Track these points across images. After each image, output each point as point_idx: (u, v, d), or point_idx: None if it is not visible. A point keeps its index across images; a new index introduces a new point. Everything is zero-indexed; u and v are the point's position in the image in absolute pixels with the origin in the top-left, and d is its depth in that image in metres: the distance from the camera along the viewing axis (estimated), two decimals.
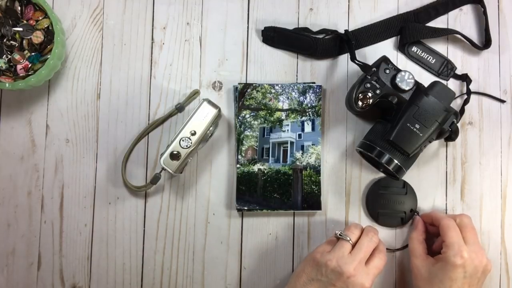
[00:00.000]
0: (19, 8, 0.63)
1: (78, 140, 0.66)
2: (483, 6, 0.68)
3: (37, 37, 0.62)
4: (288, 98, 0.66)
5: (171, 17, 0.68)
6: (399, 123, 0.58)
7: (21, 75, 0.62)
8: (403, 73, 0.59)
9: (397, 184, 0.66)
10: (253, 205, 0.65)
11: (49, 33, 0.62)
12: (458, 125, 0.64)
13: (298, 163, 0.65)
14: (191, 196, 0.66)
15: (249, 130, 0.66)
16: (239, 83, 0.66)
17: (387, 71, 0.60)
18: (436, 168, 0.67)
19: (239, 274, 0.66)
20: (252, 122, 0.66)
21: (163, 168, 0.60)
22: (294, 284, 0.58)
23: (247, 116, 0.66)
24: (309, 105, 0.66)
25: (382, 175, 0.66)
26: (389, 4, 0.69)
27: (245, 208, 0.65)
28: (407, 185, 0.66)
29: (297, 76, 0.68)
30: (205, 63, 0.68)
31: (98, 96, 0.67)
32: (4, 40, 0.62)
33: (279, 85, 0.66)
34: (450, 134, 0.60)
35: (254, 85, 0.66)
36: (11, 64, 0.62)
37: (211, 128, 0.61)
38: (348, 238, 0.58)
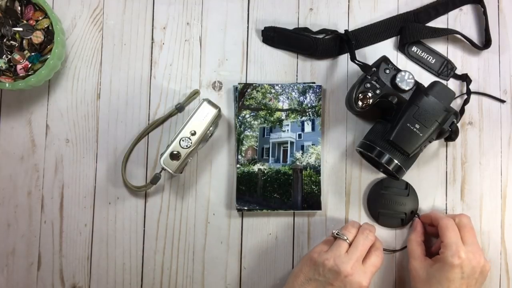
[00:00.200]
0: (19, 8, 0.63)
1: (78, 140, 0.66)
2: (483, 6, 0.68)
3: (37, 37, 0.62)
4: (288, 98, 0.66)
5: (171, 17, 0.68)
6: (399, 123, 0.58)
7: (21, 75, 0.62)
8: (403, 73, 0.59)
9: (399, 185, 0.66)
10: (253, 205, 0.65)
11: (49, 33, 0.62)
12: (458, 125, 0.64)
13: (298, 163, 0.65)
14: (191, 196, 0.66)
15: (249, 130, 0.66)
16: (239, 83, 0.66)
17: (387, 71, 0.60)
18: (436, 168, 0.67)
19: (239, 274, 0.66)
20: (252, 122, 0.66)
21: (163, 168, 0.60)
22: (292, 284, 0.58)
23: (247, 116, 0.66)
24: (309, 105, 0.66)
25: (383, 175, 0.66)
26: (389, 4, 0.69)
27: (245, 208, 0.65)
28: (409, 186, 0.66)
29: (297, 76, 0.68)
30: (205, 63, 0.68)
31: (98, 96, 0.67)
32: (4, 40, 0.62)
33: (279, 85, 0.66)
34: (450, 134, 0.60)
35: (254, 85, 0.66)
36: (11, 64, 0.62)
37: (211, 128, 0.61)
38: (345, 237, 0.58)
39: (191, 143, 0.60)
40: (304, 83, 0.67)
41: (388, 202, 0.66)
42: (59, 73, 0.67)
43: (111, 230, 0.66)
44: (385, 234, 0.66)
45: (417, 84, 0.60)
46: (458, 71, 0.68)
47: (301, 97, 0.66)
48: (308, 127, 0.66)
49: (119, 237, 0.66)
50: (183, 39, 0.68)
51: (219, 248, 0.66)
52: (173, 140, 0.60)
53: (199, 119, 0.60)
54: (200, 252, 0.66)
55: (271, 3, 0.69)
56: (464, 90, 0.68)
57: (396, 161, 0.58)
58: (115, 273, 0.65)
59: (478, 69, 0.69)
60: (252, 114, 0.66)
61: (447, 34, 0.68)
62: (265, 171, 0.65)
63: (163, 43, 0.68)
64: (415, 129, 0.57)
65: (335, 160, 0.67)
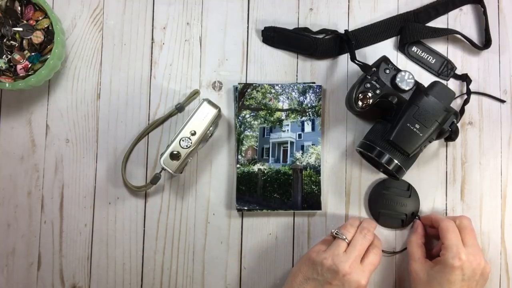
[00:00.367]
0: (19, 8, 0.63)
1: (78, 140, 0.66)
2: (483, 6, 0.68)
3: (37, 37, 0.62)
4: (288, 98, 0.66)
5: (171, 17, 0.68)
6: (399, 123, 0.58)
7: (21, 75, 0.62)
8: (403, 73, 0.59)
9: (401, 186, 0.66)
10: (253, 205, 0.65)
11: (49, 33, 0.62)
12: (458, 125, 0.64)
13: (298, 163, 0.65)
14: (191, 196, 0.66)
15: (249, 130, 0.66)
16: (239, 83, 0.66)
17: (387, 71, 0.60)
18: (436, 168, 0.67)
19: (239, 274, 0.66)
20: (252, 122, 0.66)
21: (163, 168, 0.60)
22: (291, 284, 0.58)
23: (247, 116, 0.66)
24: (309, 105, 0.66)
25: (384, 175, 0.66)
26: (389, 4, 0.69)
27: (245, 208, 0.65)
28: (411, 188, 0.66)
29: (297, 76, 0.68)
30: (205, 63, 0.68)
31: (98, 96, 0.67)
32: (4, 40, 0.62)
33: (279, 85, 0.66)
34: (450, 134, 0.60)
35: (254, 85, 0.66)
36: (11, 64, 0.62)
37: (211, 128, 0.61)
38: (344, 237, 0.58)
39: (191, 143, 0.60)
40: (304, 83, 0.67)
41: (389, 202, 0.66)
42: (59, 73, 0.67)
43: (111, 230, 0.66)
44: (384, 235, 0.66)
45: (417, 84, 0.60)
46: (458, 71, 0.68)
47: (301, 97, 0.66)
48: (308, 127, 0.66)
49: (119, 237, 0.66)
50: (183, 39, 0.68)
51: (219, 248, 0.66)
52: (173, 140, 0.60)
53: (199, 119, 0.60)
54: (200, 252, 0.66)
55: (271, 3, 0.69)
56: (464, 90, 0.68)
57: (396, 161, 0.58)
58: (115, 273, 0.65)
59: (478, 69, 0.69)
60: (252, 114, 0.66)
61: (447, 34, 0.68)
62: (265, 171, 0.65)
63: (163, 43, 0.68)
64: (415, 129, 0.57)
65: (335, 160, 0.67)
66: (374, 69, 0.60)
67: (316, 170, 0.65)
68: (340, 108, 0.68)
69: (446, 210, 0.67)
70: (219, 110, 0.62)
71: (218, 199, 0.66)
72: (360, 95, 0.60)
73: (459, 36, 0.68)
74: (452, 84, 0.68)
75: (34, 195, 0.66)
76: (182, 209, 0.66)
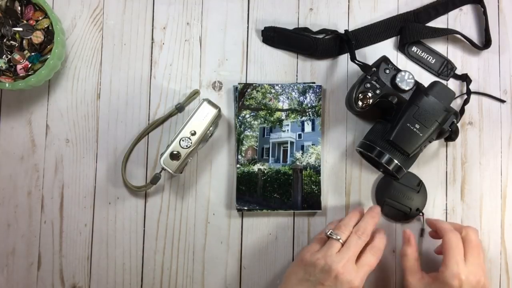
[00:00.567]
0: (19, 8, 0.63)
1: (78, 140, 0.66)
2: (483, 6, 0.68)
3: (37, 37, 0.62)
4: (288, 98, 0.66)
5: (171, 17, 0.68)
6: (399, 123, 0.58)
7: (21, 75, 0.62)
8: (403, 73, 0.59)
9: (413, 180, 0.66)
10: (253, 205, 0.65)
11: (49, 33, 0.62)
12: (458, 125, 0.64)
13: (298, 163, 0.65)
14: (191, 196, 0.66)
15: (249, 130, 0.66)
16: (239, 83, 0.66)
17: (387, 71, 0.60)
18: (436, 168, 0.67)
19: (239, 274, 0.66)
20: (252, 122, 0.66)
21: (163, 168, 0.60)
22: (285, 285, 0.57)
23: (247, 116, 0.66)
24: (309, 105, 0.66)
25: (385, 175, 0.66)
26: (389, 4, 0.69)
27: (245, 208, 0.65)
28: (422, 184, 0.66)
29: (297, 76, 0.68)
30: (205, 63, 0.68)
31: (98, 96, 0.67)
32: (4, 40, 0.62)
33: (279, 85, 0.66)
34: (450, 134, 0.60)
35: (254, 85, 0.66)
36: (11, 64, 0.62)
37: (211, 128, 0.61)
38: (338, 237, 0.57)
39: (191, 143, 0.60)
40: (304, 83, 0.67)
41: (397, 193, 0.66)
42: (59, 73, 0.67)
43: (111, 230, 0.66)
44: (386, 225, 0.66)
45: (417, 84, 0.60)
46: (458, 71, 0.68)
47: (301, 97, 0.66)
48: (308, 127, 0.66)
49: (119, 237, 0.66)
50: (183, 39, 0.68)
51: (219, 248, 0.66)
52: (173, 140, 0.60)
53: (199, 119, 0.60)
54: (200, 252, 0.66)
55: (271, 3, 0.69)
56: (464, 90, 0.68)
57: (396, 161, 0.58)
58: (115, 273, 0.65)
59: (478, 69, 0.69)
60: (252, 114, 0.66)
61: (447, 34, 0.68)
62: (265, 171, 0.65)
63: (163, 43, 0.68)
64: (415, 129, 0.57)
65: (335, 160, 0.67)
66: (374, 69, 0.60)
67: (316, 170, 0.65)
68: (340, 108, 0.68)
69: (446, 210, 0.67)
70: (219, 110, 0.62)
71: (218, 199, 0.66)
72: (360, 95, 0.60)
73: (459, 36, 0.68)
74: (452, 84, 0.68)
75: (34, 195, 0.66)
76: (182, 209, 0.66)
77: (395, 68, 0.61)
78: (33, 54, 0.62)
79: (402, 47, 0.68)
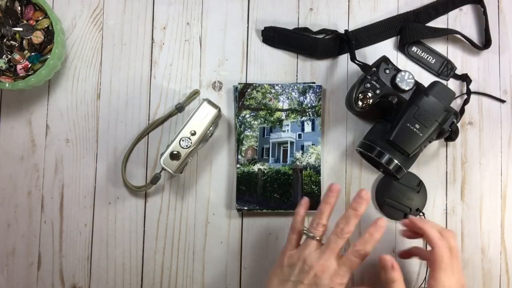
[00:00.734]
0: (19, 8, 0.63)
1: (78, 140, 0.66)
2: (483, 6, 0.68)
3: (37, 37, 0.62)
4: (288, 98, 0.66)
5: (171, 17, 0.68)
6: (399, 123, 0.58)
7: (21, 75, 0.62)
8: (403, 73, 0.59)
9: (413, 180, 0.66)
10: (253, 205, 0.65)
11: (49, 33, 0.62)
12: (458, 125, 0.64)
13: (298, 163, 0.65)
14: (191, 196, 0.66)
15: (249, 130, 0.66)
16: (239, 83, 0.66)
17: (387, 71, 0.60)
18: (436, 168, 0.67)
19: (239, 274, 0.66)
20: (252, 122, 0.66)
21: (163, 168, 0.60)
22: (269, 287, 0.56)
23: (247, 116, 0.66)
24: (309, 105, 0.66)
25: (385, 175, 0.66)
26: (389, 4, 0.69)
27: (245, 208, 0.65)
28: (422, 184, 0.66)
29: (297, 76, 0.68)
30: (205, 63, 0.68)
31: (98, 96, 0.67)
32: (4, 40, 0.62)
33: (279, 85, 0.66)
34: (450, 134, 0.60)
35: (254, 85, 0.66)
36: (11, 64, 0.62)
37: (211, 128, 0.61)
38: (312, 235, 0.55)
39: (191, 143, 0.60)
40: (304, 83, 0.67)
41: (397, 193, 0.66)
42: (59, 73, 0.67)
43: (111, 230, 0.66)
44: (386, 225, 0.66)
45: (417, 84, 0.60)
46: (458, 71, 0.68)
47: (301, 97, 0.66)
48: (308, 127, 0.66)
49: (119, 237, 0.66)
50: (183, 39, 0.68)
51: (219, 248, 0.66)
52: (173, 140, 0.60)
53: (199, 119, 0.60)
54: (200, 252, 0.66)
55: (271, 3, 0.69)
56: (464, 90, 0.68)
57: (396, 161, 0.58)
58: (115, 273, 0.65)
59: (478, 69, 0.69)
60: (252, 114, 0.66)
61: (447, 34, 0.68)
62: (265, 171, 0.65)
63: (163, 43, 0.68)
64: (415, 129, 0.57)
65: (335, 160, 0.67)
66: (374, 69, 0.60)
67: (316, 170, 0.65)
68: (340, 108, 0.68)
69: (446, 210, 0.67)
70: (219, 110, 0.62)
71: (218, 199, 0.66)
72: (360, 95, 0.60)
73: (459, 36, 0.68)
74: (452, 84, 0.68)
75: (34, 195, 0.66)
76: (182, 209, 0.66)
77: (395, 68, 0.61)
78: (33, 54, 0.62)
79: (402, 47, 0.68)
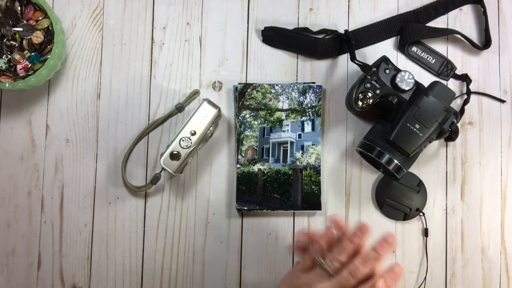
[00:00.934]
0: (19, 8, 0.63)
1: (78, 140, 0.66)
2: (483, 6, 0.68)
3: (37, 37, 0.62)
4: (288, 98, 0.66)
5: (171, 17, 0.68)
6: (399, 123, 0.58)
7: (21, 75, 0.62)
8: (403, 73, 0.59)
9: (413, 180, 0.66)
10: (253, 205, 0.65)
11: (49, 33, 0.62)
12: (458, 125, 0.64)
13: (298, 163, 0.65)
14: (191, 196, 0.66)
15: (249, 130, 0.66)
16: (239, 83, 0.66)
17: (387, 71, 0.60)
18: (436, 168, 0.67)
19: (239, 274, 0.66)
20: (252, 122, 0.66)
21: (163, 168, 0.60)
22: None
23: (247, 116, 0.66)
24: (309, 105, 0.66)
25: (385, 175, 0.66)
26: (389, 4, 0.69)
27: (245, 208, 0.65)
28: (422, 184, 0.66)
29: (297, 76, 0.68)
30: (205, 63, 0.68)
31: (98, 96, 0.67)
32: (4, 40, 0.62)
33: (279, 85, 0.66)
34: (450, 134, 0.60)
35: (254, 85, 0.66)
36: (11, 64, 0.62)
37: (211, 128, 0.61)
38: (327, 269, 0.48)
39: (191, 143, 0.60)
40: (304, 83, 0.67)
41: (397, 193, 0.66)
42: (59, 73, 0.67)
43: (111, 230, 0.66)
44: (386, 225, 0.66)
45: (417, 84, 0.60)
46: (458, 71, 0.68)
47: (301, 97, 0.66)
48: (308, 127, 0.66)
49: (119, 237, 0.66)
50: (183, 39, 0.68)
51: (219, 248, 0.66)
52: (173, 140, 0.60)
53: (199, 119, 0.60)
54: (200, 252, 0.66)
55: (271, 3, 0.69)
56: (464, 90, 0.68)
57: (396, 161, 0.58)
58: (115, 273, 0.65)
59: (478, 69, 0.69)
60: (252, 114, 0.66)
61: (447, 34, 0.68)
62: (265, 171, 0.65)
63: (163, 43, 0.68)
64: (415, 129, 0.57)
65: (335, 160, 0.67)
66: (374, 69, 0.60)
67: (316, 170, 0.65)
68: (340, 108, 0.68)
69: (446, 210, 0.67)
70: (219, 110, 0.62)
71: (218, 199, 0.66)
72: (360, 95, 0.60)
73: (459, 36, 0.68)
74: (452, 84, 0.68)
75: (34, 195, 0.66)
76: (182, 209, 0.66)
77: (395, 68, 0.61)
78: (33, 54, 0.62)
79: (402, 47, 0.68)
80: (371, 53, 0.68)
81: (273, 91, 0.66)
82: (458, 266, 0.67)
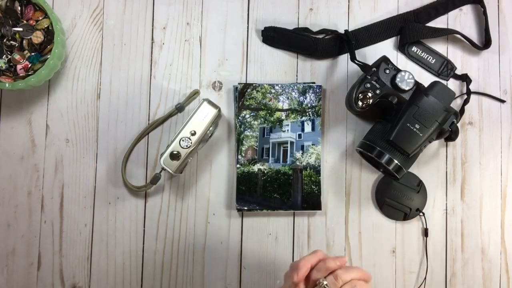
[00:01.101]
0: (19, 8, 0.63)
1: (78, 140, 0.66)
2: (483, 6, 0.68)
3: (37, 37, 0.62)
4: (288, 98, 0.66)
5: (171, 17, 0.68)
6: (399, 123, 0.58)
7: (21, 75, 0.62)
8: (403, 73, 0.59)
9: (413, 180, 0.66)
10: (253, 205, 0.65)
11: (49, 33, 0.62)
12: (458, 125, 0.64)
13: (298, 163, 0.65)
14: (191, 196, 0.66)
15: (249, 130, 0.66)
16: (239, 83, 0.66)
17: (387, 71, 0.60)
18: (436, 168, 0.67)
19: (239, 274, 0.66)
20: (252, 122, 0.66)
21: (163, 168, 0.60)
22: None
23: (247, 116, 0.66)
24: (309, 105, 0.66)
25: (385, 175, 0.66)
26: (389, 4, 0.69)
27: (245, 208, 0.65)
28: (422, 184, 0.66)
29: (297, 76, 0.68)
30: (205, 63, 0.68)
31: (98, 96, 0.67)
32: (4, 40, 0.62)
33: (279, 85, 0.66)
34: (450, 134, 0.60)
35: (254, 85, 0.66)
36: (11, 64, 0.62)
37: (211, 128, 0.61)
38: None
39: (191, 143, 0.60)
40: (304, 83, 0.67)
41: (397, 193, 0.66)
42: (59, 73, 0.67)
43: (111, 230, 0.66)
44: (386, 225, 0.66)
45: (417, 84, 0.60)
46: (458, 71, 0.68)
47: (301, 97, 0.66)
48: (308, 127, 0.66)
49: (119, 237, 0.66)
50: (183, 39, 0.68)
51: (219, 248, 0.66)
52: (173, 140, 0.60)
53: (199, 119, 0.60)
54: (200, 252, 0.66)
55: (271, 3, 0.69)
56: (464, 90, 0.68)
57: (396, 161, 0.58)
58: (115, 273, 0.65)
59: (478, 69, 0.69)
60: (252, 114, 0.66)
61: (447, 34, 0.68)
62: (265, 171, 0.65)
63: (163, 43, 0.68)
64: (415, 129, 0.57)
65: (335, 160, 0.67)
66: (374, 69, 0.60)
67: (316, 170, 0.65)
68: (340, 108, 0.68)
69: (446, 210, 0.67)
70: (219, 110, 0.62)
71: (218, 199, 0.66)
72: (360, 95, 0.60)
73: (459, 36, 0.68)
74: (452, 84, 0.68)
75: (34, 195, 0.66)
76: (182, 209, 0.66)
77: (395, 68, 0.61)
78: (33, 54, 0.62)
79: (402, 47, 0.68)
80: (371, 53, 0.68)
81: (273, 91, 0.66)
82: (458, 266, 0.67)
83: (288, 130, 0.66)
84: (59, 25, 0.62)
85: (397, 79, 0.59)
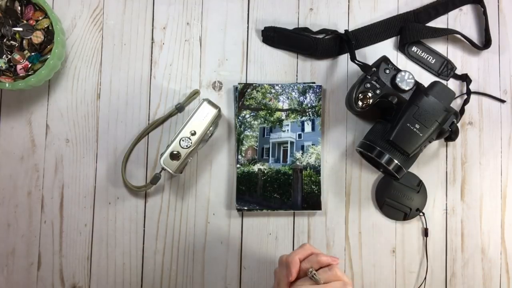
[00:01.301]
0: (19, 8, 0.63)
1: (78, 140, 0.66)
2: (483, 6, 0.68)
3: (37, 37, 0.62)
4: (288, 98, 0.66)
5: (171, 17, 0.68)
6: (399, 123, 0.58)
7: (21, 75, 0.62)
8: (403, 73, 0.59)
9: (413, 180, 0.66)
10: (253, 205, 0.65)
11: (49, 33, 0.62)
12: (458, 125, 0.64)
13: (298, 163, 0.65)
14: (191, 196, 0.66)
15: (249, 130, 0.66)
16: (239, 83, 0.66)
17: (387, 71, 0.60)
18: (436, 168, 0.67)
19: (239, 274, 0.66)
20: (252, 122, 0.66)
21: (163, 168, 0.60)
22: None
23: (247, 116, 0.66)
24: (309, 105, 0.66)
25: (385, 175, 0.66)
26: (389, 4, 0.69)
27: (245, 208, 0.65)
28: (422, 184, 0.66)
29: (297, 76, 0.68)
30: (205, 63, 0.68)
31: (98, 96, 0.67)
32: (4, 40, 0.62)
33: (279, 85, 0.66)
34: (450, 134, 0.60)
35: (254, 85, 0.66)
36: (11, 64, 0.62)
37: (211, 128, 0.61)
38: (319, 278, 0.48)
39: (191, 143, 0.60)
40: (304, 83, 0.67)
41: (397, 193, 0.66)
42: (59, 73, 0.67)
43: (111, 230, 0.66)
44: (385, 227, 0.66)
45: (417, 84, 0.60)
46: (458, 71, 0.68)
47: (301, 97, 0.66)
48: (308, 127, 0.66)
49: (119, 237, 0.66)
50: (183, 39, 0.68)
51: (219, 248, 0.66)
52: (173, 140, 0.60)
53: (199, 119, 0.60)
54: (200, 252, 0.66)
55: (271, 3, 0.69)
56: (464, 90, 0.68)
57: (396, 161, 0.58)
58: (115, 273, 0.65)
59: (478, 69, 0.69)
60: (252, 114, 0.66)
61: (447, 34, 0.68)
62: (265, 171, 0.65)
63: (163, 43, 0.68)
64: (415, 129, 0.57)
65: (335, 160, 0.67)
66: (374, 69, 0.60)
67: (316, 170, 0.65)
68: (340, 108, 0.68)
69: (446, 210, 0.67)
70: (219, 110, 0.62)
71: (218, 199, 0.66)
72: (360, 95, 0.60)
73: (459, 36, 0.68)
74: (452, 84, 0.68)
75: (34, 195, 0.66)
76: (182, 209, 0.66)
77: (395, 68, 0.61)
78: (33, 54, 0.62)
79: (402, 47, 0.68)
80: (371, 53, 0.68)
81: (273, 91, 0.66)
82: (458, 266, 0.67)
83: (288, 130, 0.66)
84: (59, 25, 0.62)
85: (397, 79, 0.59)
